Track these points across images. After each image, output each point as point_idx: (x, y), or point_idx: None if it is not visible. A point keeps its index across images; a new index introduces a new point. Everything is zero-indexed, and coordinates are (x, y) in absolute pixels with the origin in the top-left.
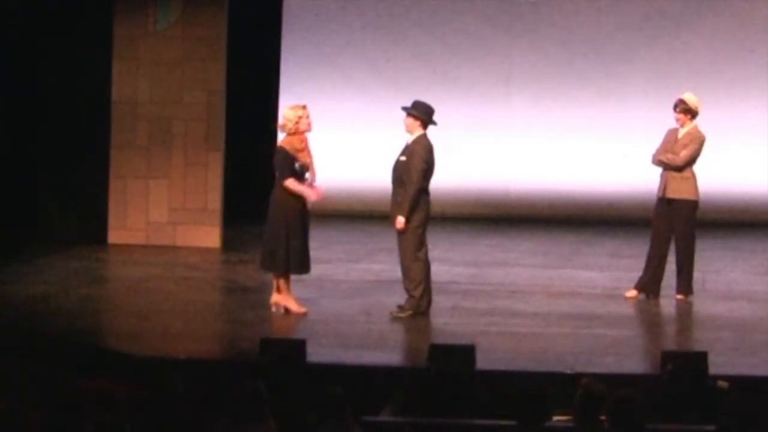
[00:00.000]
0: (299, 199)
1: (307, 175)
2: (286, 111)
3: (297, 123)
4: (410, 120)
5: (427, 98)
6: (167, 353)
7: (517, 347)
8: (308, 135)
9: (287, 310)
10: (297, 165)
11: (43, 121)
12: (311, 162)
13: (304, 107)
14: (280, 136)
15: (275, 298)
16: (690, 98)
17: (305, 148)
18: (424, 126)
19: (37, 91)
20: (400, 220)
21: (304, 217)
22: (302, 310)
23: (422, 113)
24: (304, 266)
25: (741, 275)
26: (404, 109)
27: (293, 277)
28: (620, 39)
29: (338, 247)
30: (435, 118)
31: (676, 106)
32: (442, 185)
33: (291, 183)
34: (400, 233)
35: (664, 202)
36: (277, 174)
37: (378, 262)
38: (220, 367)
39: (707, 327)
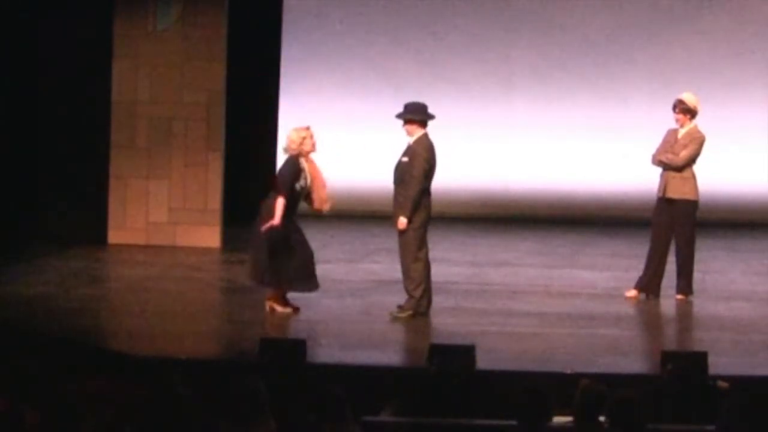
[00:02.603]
0: (290, 218)
1: (313, 195)
2: (290, 132)
3: (301, 144)
4: (408, 125)
5: (427, 98)
6: (167, 353)
7: (517, 347)
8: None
9: (272, 310)
10: (298, 185)
11: (43, 121)
12: (317, 184)
13: (307, 128)
14: (281, 158)
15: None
16: (689, 98)
17: (311, 171)
18: (424, 125)
19: (37, 91)
20: (402, 221)
21: (298, 230)
22: (286, 309)
23: (417, 114)
24: (309, 283)
25: (741, 275)
26: (399, 116)
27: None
28: (620, 39)
29: (338, 247)
30: (435, 118)
31: (675, 107)
32: (442, 185)
33: (280, 203)
34: (402, 233)
35: (664, 202)
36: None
37: (378, 262)
38: (220, 367)
39: (707, 327)
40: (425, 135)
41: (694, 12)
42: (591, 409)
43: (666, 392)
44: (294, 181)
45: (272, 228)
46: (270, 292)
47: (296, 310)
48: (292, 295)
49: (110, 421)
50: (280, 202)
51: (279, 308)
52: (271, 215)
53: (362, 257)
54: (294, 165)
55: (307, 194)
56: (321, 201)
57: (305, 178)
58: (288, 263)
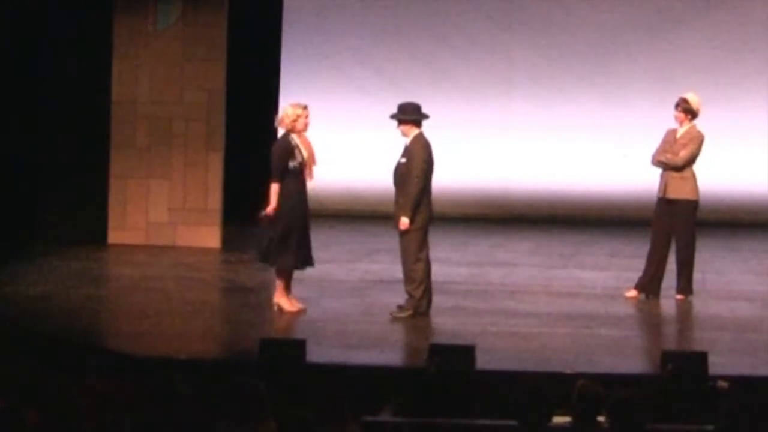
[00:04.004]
0: (299, 194)
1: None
2: (286, 107)
3: (294, 121)
4: (403, 126)
5: (427, 98)
6: (167, 353)
7: (517, 347)
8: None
9: (280, 309)
10: (293, 164)
11: (43, 121)
12: (310, 159)
13: (305, 107)
14: (280, 132)
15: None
16: (693, 99)
17: (303, 144)
18: (418, 125)
19: (37, 91)
20: (404, 221)
21: (306, 212)
22: (293, 309)
23: (412, 114)
24: (308, 261)
25: (741, 275)
26: (393, 117)
27: (296, 274)
28: (620, 39)
29: (338, 247)
30: (434, 117)
31: (677, 104)
32: (442, 185)
33: (273, 190)
34: (403, 234)
35: (664, 202)
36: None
37: (378, 262)
38: (220, 367)
39: (707, 327)
40: (421, 134)
41: (694, 12)
42: (588, 409)
43: (666, 392)
44: (286, 161)
45: (268, 216)
46: (277, 290)
47: (302, 310)
48: (300, 296)
49: (110, 420)
50: (273, 189)
51: (286, 307)
52: (279, 203)
53: (362, 257)
54: (285, 144)
55: (303, 169)
56: (310, 175)
57: (300, 154)
58: (297, 244)
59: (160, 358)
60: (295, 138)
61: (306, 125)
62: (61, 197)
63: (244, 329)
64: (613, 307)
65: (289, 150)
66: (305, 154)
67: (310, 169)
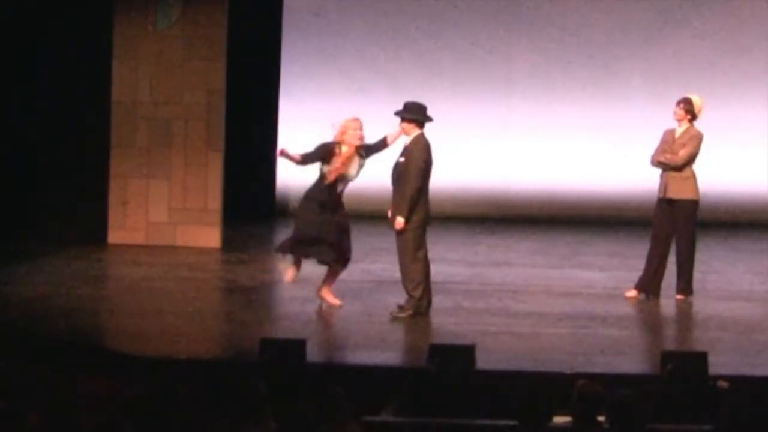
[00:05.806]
0: (323, 192)
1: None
2: (344, 119)
3: (343, 133)
4: (405, 124)
5: (427, 98)
6: (167, 353)
7: (517, 347)
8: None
9: (322, 299)
10: (324, 168)
11: (43, 121)
12: (341, 168)
13: (355, 119)
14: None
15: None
16: (697, 101)
17: (345, 157)
18: (421, 126)
19: (37, 91)
20: (399, 221)
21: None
22: (336, 302)
23: (416, 114)
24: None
25: (741, 275)
26: (397, 114)
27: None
28: (620, 39)
29: None
30: (434, 117)
31: (679, 102)
32: (442, 185)
33: (286, 153)
34: (400, 234)
35: (664, 202)
36: None
37: (378, 262)
38: (220, 367)
39: (707, 327)
40: (422, 135)
41: (694, 12)
42: (589, 409)
43: (666, 392)
44: (318, 159)
45: (283, 152)
46: (322, 286)
47: (338, 305)
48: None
49: (110, 421)
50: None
51: (329, 300)
52: (308, 198)
53: (362, 257)
54: (325, 146)
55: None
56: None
57: (336, 161)
58: (311, 235)
59: (160, 358)
60: (343, 147)
61: (360, 138)
62: (61, 197)
63: (244, 329)
64: (613, 307)
65: (329, 150)
66: (337, 163)
67: (337, 174)
